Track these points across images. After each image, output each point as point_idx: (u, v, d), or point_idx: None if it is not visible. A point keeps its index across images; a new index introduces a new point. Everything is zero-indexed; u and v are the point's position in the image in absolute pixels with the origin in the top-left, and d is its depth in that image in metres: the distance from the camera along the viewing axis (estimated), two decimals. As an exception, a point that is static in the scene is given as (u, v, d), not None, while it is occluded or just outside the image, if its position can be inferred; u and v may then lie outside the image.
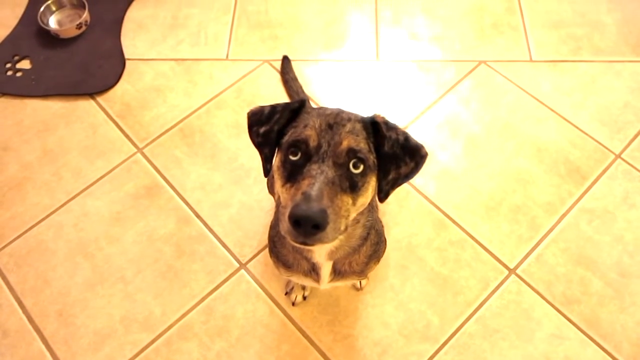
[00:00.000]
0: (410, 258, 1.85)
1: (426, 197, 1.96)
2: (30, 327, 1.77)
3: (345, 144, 1.02)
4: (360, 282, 1.78)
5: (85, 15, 2.39)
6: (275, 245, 1.38)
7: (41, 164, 2.07)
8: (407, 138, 1.10)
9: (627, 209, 1.93)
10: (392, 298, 1.78)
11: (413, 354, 1.69)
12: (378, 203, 1.50)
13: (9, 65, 2.32)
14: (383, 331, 1.73)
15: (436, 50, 2.32)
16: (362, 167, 1.04)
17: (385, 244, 1.47)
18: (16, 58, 2.34)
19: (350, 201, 1.03)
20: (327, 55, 2.32)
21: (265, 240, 1.88)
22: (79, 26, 2.38)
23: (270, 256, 1.44)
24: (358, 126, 1.06)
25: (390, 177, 1.09)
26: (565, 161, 2.03)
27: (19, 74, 2.29)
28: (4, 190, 2.02)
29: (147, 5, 2.50)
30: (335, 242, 1.16)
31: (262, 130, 1.13)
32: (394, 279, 1.82)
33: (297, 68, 2.26)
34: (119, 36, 2.39)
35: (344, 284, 1.52)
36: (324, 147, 1.02)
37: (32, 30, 2.42)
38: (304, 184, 0.97)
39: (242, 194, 1.98)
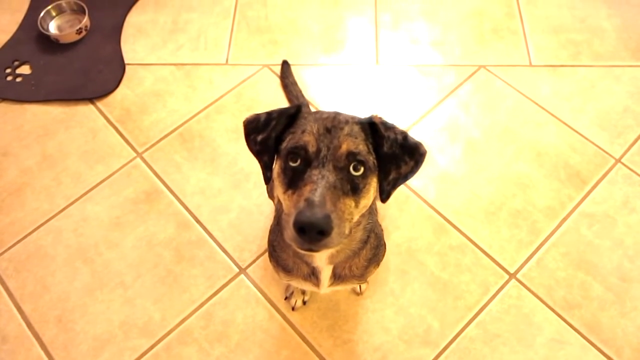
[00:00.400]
0: (410, 262, 1.85)
1: (426, 202, 1.96)
2: (29, 332, 1.76)
3: (344, 147, 1.02)
4: (360, 286, 1.77)
5: (85, 20, 2.40)
6: (274, 249, 1.38)
7: (41, 169, 2.07)
8: (405, 137, 1.10)
9: (627, 213, 1.92)
10: (392, 303, 1.78)
11: (413, 359, 1.69)
12: (377, 207, 1.50)
13: (9, 70, 2.32)
14: (383, 336, 1.73)
15: (436, 54, 2.33)
16: (362, 169, 1.03)
17: (385, 247, 1.47)
18: (16, 63, 2.34)
19: (353, 204, 1.02)
20: (326, 59, 2.32)
21: (264, 244, 1.87)
22: (79, 31, 2.38)
23: (270, 261, 1.43)
24: (356, 128, 1.06)
25: (391, 177, 1.09)
26: (565, 165, 2.02)
27: (18, 79, 2.29)
28: (4, 195, 2.02)
29: (147, 10, 2.51)
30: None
31: (259, 138, 1.12)
32: (394, 283, 1.81)
33: (297, 72, 2.26)
34: (118, 41, 2.39)
35: (344, 288, 1.51)
36: (324, 151, 1.01)
37: (32, 35, 2.42)
38: (306, 190, 0.97)
39: (242, 198, 1.98)
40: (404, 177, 1.11)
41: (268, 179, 1.15)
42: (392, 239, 1.88)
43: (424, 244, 1.88)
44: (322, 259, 1.23)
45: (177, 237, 1.91)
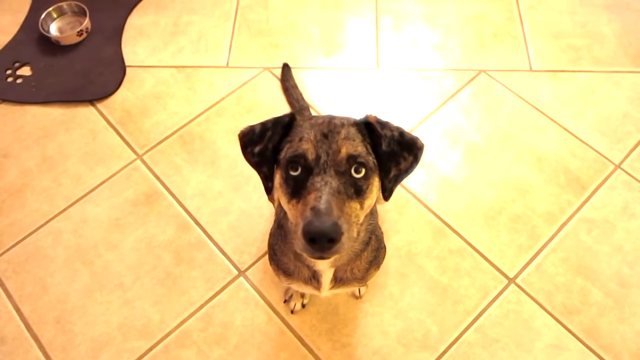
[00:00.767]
0: (409, 266, 1.85)
1: (426, 206, 1.96)
2: (27, 334, 1.76)
3: (343, 151, 1.02)
4: (359, 290, 1.77)
5: (86, 22, 2.40)
6: (275, 253, 1.38)
7: (41, 171, 2.07)
8: (401, 133, 1.10)
9: (626, 219, 1.93)
10: (392, 306, 1.78)
11: (412, 363, 1.69)
12: (377, 209, 1.50)
13: (9, 71, 2.32)
14: (382, 340, 1.72)
15: (436, 58, 2.33)
16: (363, 170, 1.03)
17: (385, 250, 1.47)
18: (17, 65, 2.34)
19: (358, 206, 1.03)
20: (327, 62, 2.33)
21: (264, 247, 1.87)
22: (79, 33, 2.39)
23: (270, 264, 1.43)
24: (352, 130, 1.06)
25: (392, 174, 1.09)
26: (565, 171, 2.03)
27: (19, 81, 2.29)
28: (3, 196, 2.02)
29: (148, 12, 2.51)
30: None
31: (256, 149, 1.12)
32: (394, 287, 1.81)
33: (297, 76, 2.26)
34: (119, 43, 2.40)
35: (344, 291, 1.51)
36: (323, 157, 1.01)
37: (33, 37, 2.42)
38: (311, 199, 0.97)
39: (242, 201, 1.98)
40: (404, 173, 1.11)
41: (269, 190, 1.15)
42: (392, 242, 1.88)
43: (424, 247, 1.88)
44: (324, 262, 1.23)
45: (177, 239, 1.91)
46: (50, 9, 2.44)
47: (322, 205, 0.94)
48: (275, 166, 1.12)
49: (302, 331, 1.74)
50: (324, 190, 0.97)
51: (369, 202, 1.06)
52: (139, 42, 2.41)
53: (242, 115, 2.18)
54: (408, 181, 2.00)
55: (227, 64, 2.33)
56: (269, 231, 1.49)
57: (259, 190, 1.99)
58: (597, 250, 1.87)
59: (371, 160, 1.06)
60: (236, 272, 1.85)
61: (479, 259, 1.86)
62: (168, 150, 2.11)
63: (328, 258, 1.00)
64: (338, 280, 1.32)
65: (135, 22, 2.48)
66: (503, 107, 2.19)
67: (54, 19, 2.47)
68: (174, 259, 1.88)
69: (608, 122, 2.14)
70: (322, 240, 0.93)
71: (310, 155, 1.02)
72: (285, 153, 1.07)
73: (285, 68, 2.27)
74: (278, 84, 2.26)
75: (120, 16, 2.48)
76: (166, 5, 2.53)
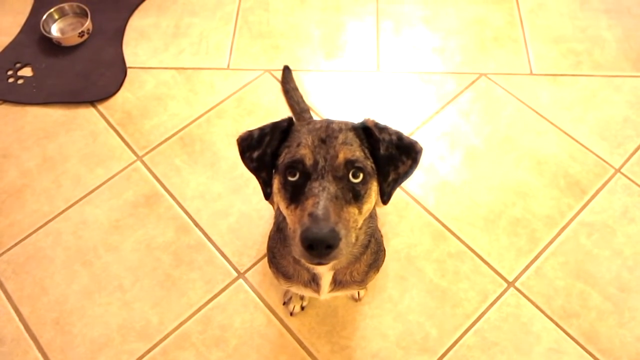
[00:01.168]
0: (409, 269, 1.85)
1: (425, 209, 1.96)
2: (26, 335, 1.76)
3: (341, 156, 1.02)
4: (358, 292, 1.77)
5: (88, 23, 2.40)
6: (274, 256, 1.38)
7: (41, 171, 2.07)
8: (400, 137, 1.10)
9: (626, 223, 1.93)
10: (391, 309, 1.78)
11: (411, 367, 1.69)
12: (377, 212, 1.50)
13: (10, 72, 2.32)
14: (381, 342, 1.72)
15: (437, 62, 2.33)
16: (361, 175, 1.03)
17: (385, 253, 1.47)
18: (18, 65, 2.34)
19: (357, 211, 1.02)
20: (328, 65, 2.33)
21: (263, 249, 1.87)
22: (81, 34, 2.39)
23: (270, 267, 1.43)
24: (350, 135, 1.06)
25: (390, 178, 1.09)
26: (565, 175, 2.03)
27: (20, 81, 2.29)
28: (3, 197, 2.02)
29: (150, 14, 2.51)
30: None
31: (255, 155, 1.12)
32: (393, 290, 1.81)
33: (298, 78, 2.26)
34: (120, 45, 2.40)
35: (343, 294, 1.51)
36: (321, 162, 1.01)
37: (34, 38, 2.42)
38: (309, 204, 0.97)
39: (242, 203, 1.98)
40: (403, 176, 1.11)
41: (268, 195, 1.15)
42: (392, 245, 1.88)
43: (423, 250, 1.88)
44: (324, 266, 1.23)
45: (176, 241, 1.91)
46: (52, 10, 2.45)
47: (320, 211, 0.94)
48: (273, 171, 1.12)
49: (301, 333, 1.74)
50: (321, 196, 0.96)
51: (367, 207, 1.06)
52: (140, 43, 2.41)
53: (243, 118, 2.18)
54: (408, 184, 2.00)
55: (228, 65, 2.33)
56: (268, 233, 1.49)
57: (258, 193, 1.99)
58: (597, 255, 1.87)
59: (369, 164, 1.05)
60: (235, 274, 1.85)
61: (479, 262, 1.86)
62: (168, 151, 2.11)
63: (326, 264, 1.00)
64: (337, 283, 1.32)
65: (136, 23, 2.48)
66: (503, 111, 2.19)
67: (56, 20, 2.47)
68: (174, 261, 1.88)
69: (608, 126, 2.14)
70: (320, 247, 0.93)
71: (308, 161, 1.02)
72: (283, 158, 1.07)
73: (286, 70, 2.27)
74: (279, 86, 2.26)
75: (121, 18, 2.49)
76: (167, 7, 2.53)
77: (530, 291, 1.80)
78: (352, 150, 1.04)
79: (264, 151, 1.11)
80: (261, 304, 1.79)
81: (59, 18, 2.48)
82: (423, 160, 1.13)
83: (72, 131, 2.17)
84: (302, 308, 1.77)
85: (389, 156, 1.08)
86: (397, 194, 1.97)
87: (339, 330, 1.74)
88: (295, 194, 1.02)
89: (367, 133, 1.09)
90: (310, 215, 0.94)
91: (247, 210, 1.97)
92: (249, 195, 2.00)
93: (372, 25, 2.45)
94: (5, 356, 1.72)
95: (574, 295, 1.79)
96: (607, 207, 1.96)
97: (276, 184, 1.09)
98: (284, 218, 1.14)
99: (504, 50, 2.36)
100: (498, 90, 2.24)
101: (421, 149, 1.12)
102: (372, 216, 1.30)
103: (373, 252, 1.33)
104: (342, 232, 0.95)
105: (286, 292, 1.79)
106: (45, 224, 1.96)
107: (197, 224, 1.94)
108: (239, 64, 2.34)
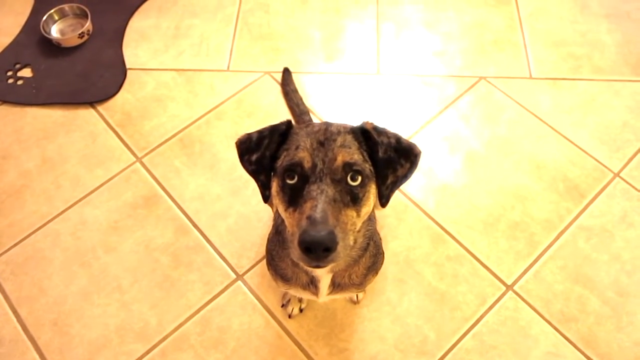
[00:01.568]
0: (407, 272, 1.85)
1: (424, 212, 1.96)
2: (24, 336, 1.76)
3: (339, 159, 1.02)
4: (357, 295, 1.77)
5: (88, 24, 2.40)
6: (273, 258, 1.38)
7: (40, 172, 2.07)
8: (398, 140, 1.10)
9: (625, 227, 1.93)
10: (389, 312, 1.78)
11: (409, 370, 1.69)
12: (376, 215, 1.50)
13: (10, 73, 2.32)
14: (379, 345, 1.72)
15: (437, 65, 2.33)
16: (360, 178, 1.04)
17: (383, 256, 1.47)
18: (18, 66, 2.34)
19: (355, 214, 1.03)
20: (328, 67, 2.33)
21: (262, 251, 1.87)
22: (81, 35, 2.39)
23: (268, 269, 1.43)
24: (349, 138, 1.07)
25: (389, 181, 1.09)
26: (564, 179, 2.03)
27: (20, 82, 2.29)
28: (2, 197, 2.02)
29: (150, 15, 2.51)
30: None
31: (254, 157, 1.13)
32: (391, 292, 1.81)
33: (298, 80, 2.26)
34: (120, 46, 2.40)
35: (342, 296, 1.51)
36: (319, 165, 1.01)
37: (34, 38, 2.43)
38: (307, 207, 0.97)
39: (241, 205, 1.98)
40: (402, 180, 1.11)
41: (266, 198, 1.15)
42: (390, 248, 1.88)
43: (422, 253, 1.88)
44: (322, 269, 1.23)
45: (175, 242, 1.91)
46: (52, 11, 2.45)
47: (318, 214, 0.94)
48: (272, 174, 1.12)
49: (299, 336, 1.74)
50: (319, 199, 0.97)
51: (365, 210, 1.06)
52: (140, 44, 2.42)
53: (242, 119, 2.18)
54: (407, 187, 2.00)
55: (228, 67, 2.33)
56: (267, 235, 1.49)
57: (257, 195, 1.99)
58: (596, 259, 1.87)
59: (367, 167, 1.06)
60: (234, 276, 1.85)
61: (477, 265, 1.86)
62: (168, 153, 2.11)
63: (324, 267, 1.00)
64: (336, 286, 1.32)
65: (136, 24, 2.49)
66: (503, 114, 2.19)
67: (56, 21, 2.47)
68: (172, 262, 1.87)
69: (607, 130, 2.14)
70: (318, 250, 0.93)
71: (307, 164, 1.02)
72: (281, 161, 1.07)
73: (286, 72, 2.27)
74: (278, 88, 2.27)
75: (121, 19, 2.49)
76: (168, 9, 2.53)
77: (528, 295, 1.80)
78: (351, 153, 1.04)
79: (262, 154, 1.11)
80: (259, 306, 1.79)
81: (59, 19, 2.48)
82: (422, 163, 1.13)
83: (72, 132, 2.17)
84: (301, 310, 1.77)
85: (388, 159, 1.08)
86: (396, 197, 1.98)
87: (338, 333, 1.74)
88: (294, 197, 1.03)
89: (366, 136, 1.09)
90: (309, 218, 0.94)
91: (246, 212, 1.97)
92: (248, 197, 2.00)
93: (373, 28, 2.45)
94: (3, 357, 1.72)
95: (572, 299, 1.79)
96: (606, 212, 1.96)
97: (275, 186, 1.09)
98: (283, 220, 1.15)
99: (503, 54, 2.36)
100: (498, 93, 2.24)
101: (420, 151, 1.12)
102: (371, 219, 1.30)
103: (372, 254, 1.33)
104: (340, 235, 0.95)
105: (285, 295, 1.79)
106: (44, 224, 1.96)
107: (196, 226, 1.94)
108: (239, 65, 2.34)
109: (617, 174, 2.04)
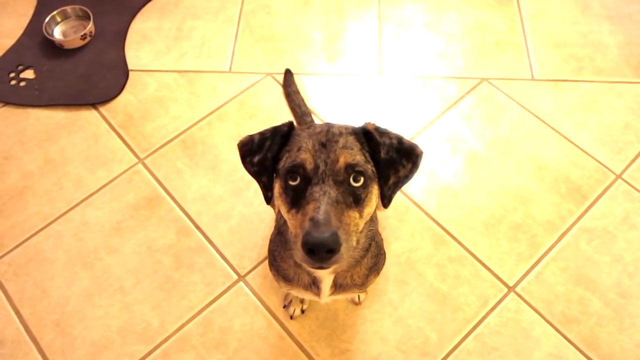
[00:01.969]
0: (409, 273, 1.85)
1: (426, 213, 1.96)
2: (27, 337, 1.76)
3: (342, 160, 1.02)
4: (358, 296, 1.77)
5: (90, 26, 2.41)
6: (275, 259, 1.38)
7: (42, 173, 2.07)
8: (400, 140, 1.11)
9: (627, 229, 1.93)
10: (391, 313, 1.78)
11: (411, 371, 1.69)
12: (377, 216, 1.50)
13: (12, 74, 2.33)
14: (381, 346, 1.72)
15: (438, 66, 2.34)
16: (362, 179, 1.04)
17: (385, 256, 1.47)
18: (20, 68, 2.35)
19: (357, 215, 1.03)
20: (329, 69, 2.33)
21: (264, 252, 1.87)
22: (83, 37, 2.39)
23: (270, 270, 1.43)
24: (351, 139, 1.07)
25: (391, 181, 1.09)
26: (566, 180, 2.03)
27: (22, 84, 2.30)
28: (5, 199, 2.02)
29: (152, 17, 2.52)
30: None
31: (256, 159, 1.13)
32: (393, 294, 1.81)
33: (300, 81, 2.27)
34: (122, 47, 2.40)
35: (344, 297, 1.51)
36: (322, 167, 1.02)
37: (36, 40, 2.43)
38: (310, 209, 0.97)
39: (243, 206, 1.99)
40: (404, 180, 1.11)
41: (269, 199, 1.15)
42: (392, 249, 1.88)
43: (424, 255, 1.88)
44: (325, 270, 1.23)
45: (177, 243, 1.92)
46: (55, 12, 2.45)
47: (321, 215, 0.94)
48: (274, 175, 1.12)
49: (301, 337, 1.74)
50: (322, 201, 0.97)
51: (368, 211, 1.06)
52: (142, 46, 2.42)
53: (244, 121, 2.18)
54: (408, 188, 2.01)
55: (230, 69, 2.34)
56: (269, 236, 1.49)
57: (259, 196, 1.98)
58: (597, 260, 1.87)
59: (370, 168, 1.06)
60: (236, 277, 1.85)
61: (479, 266, 1.86)
62: (169, 154, 2.11)
63: (327, 268, 1.00)
64: (338, 287, 1.32)
65: (138, 26, 2.49)
66: (504, 116, 2.19)
67: (58, 23, 2.48)
68: (174, 263, 1.88)
69: (609, 132, 2.14)
70: (321, 251, 0.93)
71: (309, 165, 1.02)
72: (284, 163, 1.07)
73: (288, 74, 2.27)
74: (280, 90, 2.27)
75: (124, 20, 2.49)
76: (170, 10, 2.54)
77: (530, 296, 1.80)
78: (353, 154, 1.04)
79: (264, 156, 1.11)
80: (261, 306, 1.79)
81: (61, 21, 2.49)
82: (424, 164, 1.13)
83: (74, 133, 2.17)
84: (303, 311, 1.77)
85: (390, 160, 1.08)
86: (398, 198, 1.98)
87: (339, 334, 1.74)
88: (296, 198, 1.03)
89: (368, 137, 1.09)
90: (312, 219, 0.95)
91: (248, 213, 1.97)
92: (250, 198, 2.00)
93: (374, 30, 2.46)
94: (5, 358, 1.72)
95: (574, 300, 1.79)
96: (608, 213, 1.96)
97: (277, 188, 1.09)
98: (285, 221, 1.15)
99: (505, 55, 2.36)
100: (499, 95, 2.24)
101: (421, 152, 1.12)
102: (373, 220, 1.30)
103: (373, 255, 1.33)
104: (343, 237, 0.95)
105: (286, 295, 1.79)
106: (47, 226, 1.96)
107: (198, 227, 1.95)
108: (240, 67, 2.34)
109: (619, 176, 2.04)
